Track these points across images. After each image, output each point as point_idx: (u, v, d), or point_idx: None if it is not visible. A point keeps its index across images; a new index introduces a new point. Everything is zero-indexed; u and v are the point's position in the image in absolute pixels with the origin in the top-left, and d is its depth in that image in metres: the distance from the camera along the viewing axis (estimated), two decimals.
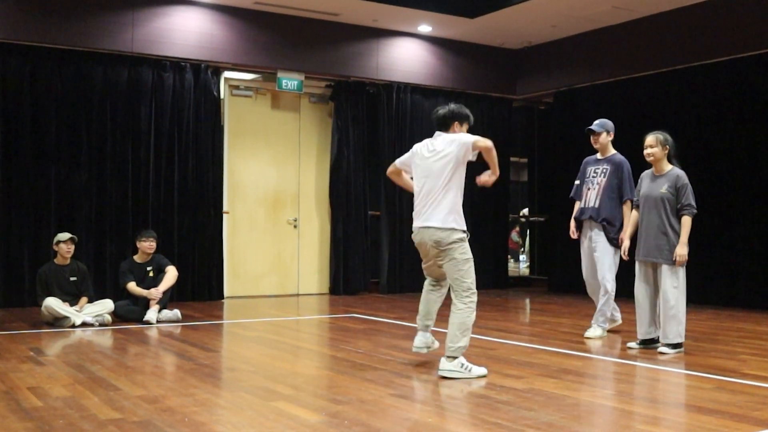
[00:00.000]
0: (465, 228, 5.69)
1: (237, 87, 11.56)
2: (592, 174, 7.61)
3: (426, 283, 6.06)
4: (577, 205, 7.74)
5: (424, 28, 12.11)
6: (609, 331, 7.70)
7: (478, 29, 12.06)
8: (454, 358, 5.44)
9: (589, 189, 7.58)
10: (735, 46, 10.26)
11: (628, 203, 7.31)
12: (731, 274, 10.30)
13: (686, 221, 6.50)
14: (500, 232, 13.54)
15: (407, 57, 12.35)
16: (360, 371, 5.70)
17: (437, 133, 5.82)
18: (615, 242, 7.38)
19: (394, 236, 12.22)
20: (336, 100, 11.99)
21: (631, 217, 7.02)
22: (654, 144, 6.63)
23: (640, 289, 6.75)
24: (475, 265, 13.25)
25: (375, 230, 12.31)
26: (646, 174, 6.84)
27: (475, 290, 5.75)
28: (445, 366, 5.44)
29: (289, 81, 11.39)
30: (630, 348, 6.76)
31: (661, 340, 6.57)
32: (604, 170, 7.51)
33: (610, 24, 11.62)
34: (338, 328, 8.44)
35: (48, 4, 9.78)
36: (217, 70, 10.98)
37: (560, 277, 12.66)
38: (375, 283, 12.30)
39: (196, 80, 10.72)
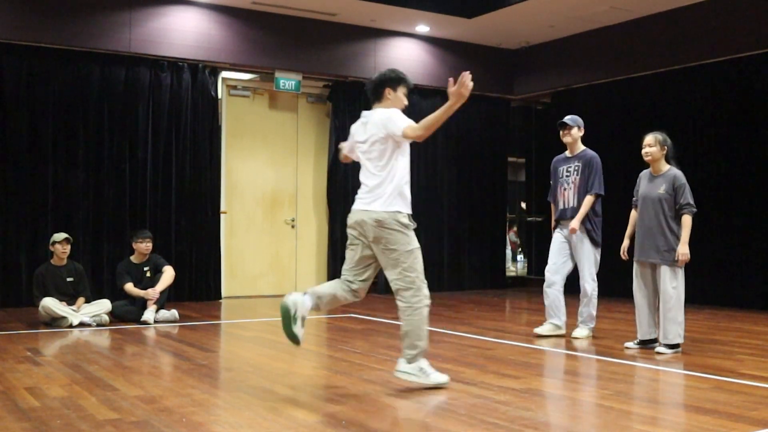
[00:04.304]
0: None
1: (235, 87, 11.55)
2: (565, 173, 7.50)
3: None
4: (554, 207, 7.68)
5: (422, 29, 12.11)
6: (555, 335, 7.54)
7: (476, 29, 12.07)
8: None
9: (564, 189, 7.47)
10: (732, 47, 10.27)
11: (594, 197, 7.26)
12: (729, 274, 10.31)
13: (687, 220, 6.50)
14: (498, 232, 13.54)
15: (405, 57, 12.34)
16: (358, 371, 5.70)
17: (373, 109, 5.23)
18: (597, 242, 7.36)
19: None
20: (334, 100, 11.98)
21: (630, 218, 7.00)
22: (653, 143, 6.64)
23: (639, 290, 6.75)
24: (473, 264, 13.15)
25: None
26: (643, 174, 6.84)
27: (424, 285, 5.12)
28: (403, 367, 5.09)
29: (287, 81, 11.39)
30: (628, 348, 6.76)
31: (660, 340, 6.57)
32: (576, 167, 7.41)
33: (608, 24, 11.63)
34: (336, 328, 8.44)
35: (45, 4, 9.77)
36: (215, 70, 10.97)
37: None
38: (373, 283, 12.22)
39: (193, 80, 10.71)
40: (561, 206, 7.51)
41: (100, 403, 4.62)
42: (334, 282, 5.29)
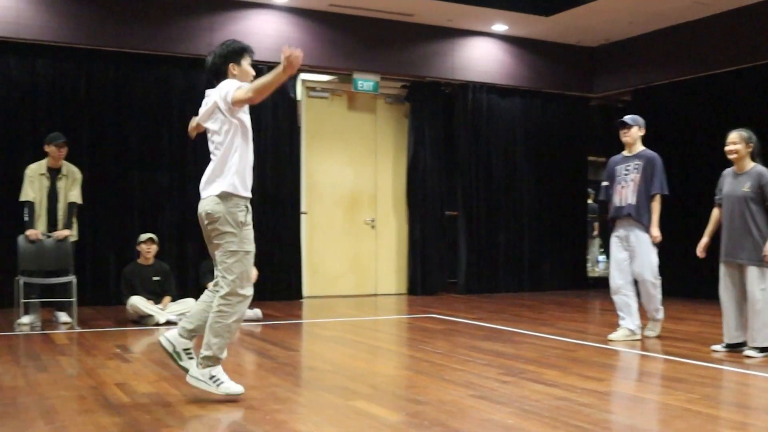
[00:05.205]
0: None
1: (313, 89, 11.66)
2: (624, 172, 7.32)
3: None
4: (609, 207, 7.53)
5: (499, 27, 12.04)
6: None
7: (554, 27, 11.94)
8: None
9: (623, 187, 7.27)
10: None
11: (657, 198, 7.12)
12: None
13: None
14: (579, 232, 13.38)
15: (482, 56, 12.29)
16: (439, 371, 5.70)
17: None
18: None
19: (472, 236, 12.17)
20: (412, 101, 12.00)
21: (711, 216, 6.81)
22: (737, 141, 6.48)
23: (725, 292, 6.57)
24: (553, 265, 12.86)
25: (452, 230, 12.30)
26: (726, 172, 6.67)
27: (242, 292, 4.74)
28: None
29: (365, 82, 11.45)
30: (715, 351, 6.60)
31: (748, 343, 6.41)
32: (636, 166, 7.24)
33: (689, 20, 11.36)
34: (416, 328, 8.45)
35: (130, 10, 10.02)
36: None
37: None
38: (453, 283, 12.28)
39: None
40: (617, 203, 7.33)
41: (186, 400, 4.72)
42: (200, 305, 4.86)
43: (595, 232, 15.75)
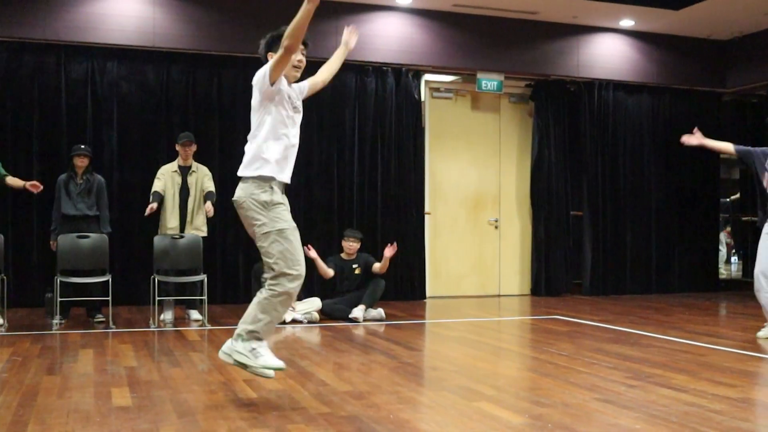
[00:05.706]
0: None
1: (437, 89, 11.70)
2: None
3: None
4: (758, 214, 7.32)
5: (626, 23, 11.77)
6: None
7: (684, 21, 11.58)
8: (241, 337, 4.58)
9: None
10: None
11: None
12: None
13: None
14: (710, 233, 12.94)
15: (608, 53, 12.05)
16: (563, 374, 5.63)
17: None
18: None
19: (597, 236, 11.96)
20: (536, 100, 11.88)
21: None
22: None
23: None
24: (682, 266, 12.53)
25: (577, 230, 12.10)
26: None
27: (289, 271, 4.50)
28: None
29: (489, 82, 11.40)
30: None
31: None
32: None
33: None
34: (540, 329, 8.36)
35: (258, 17, 10.30)
36: (418, 74, 11.17)
37: None
38: (577, 284, 12.08)
39: (397, 84, 10.96)
40: None
41: (312, 397, 4.82)
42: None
43: (727, 231, 15.20)
